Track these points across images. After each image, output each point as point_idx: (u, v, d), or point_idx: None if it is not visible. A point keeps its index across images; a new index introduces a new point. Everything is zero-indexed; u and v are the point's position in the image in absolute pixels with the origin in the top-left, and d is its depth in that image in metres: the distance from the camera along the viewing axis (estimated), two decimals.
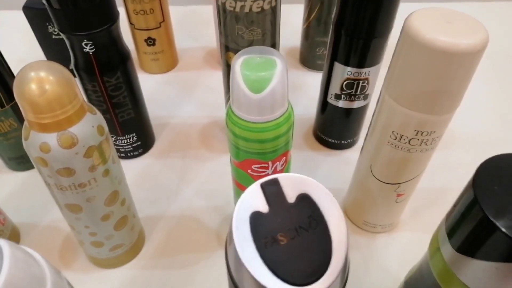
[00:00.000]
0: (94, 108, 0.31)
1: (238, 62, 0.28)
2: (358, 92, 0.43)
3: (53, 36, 0.54)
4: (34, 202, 0.44)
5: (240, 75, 0.28)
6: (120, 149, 0.47)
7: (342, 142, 0.49)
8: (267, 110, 0.29)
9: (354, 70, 0.41)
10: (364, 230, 0.42)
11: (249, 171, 0.33)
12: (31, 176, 0.47)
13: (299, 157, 0.49)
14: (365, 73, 0.41)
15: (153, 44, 0.56)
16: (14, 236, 0.40)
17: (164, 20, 0.55)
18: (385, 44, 0.40)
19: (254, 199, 0.20)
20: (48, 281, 0.21)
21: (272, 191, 0.20)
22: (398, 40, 0.30)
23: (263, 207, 0.20)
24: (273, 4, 0.37)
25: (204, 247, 0.41)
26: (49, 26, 0.53)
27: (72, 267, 0.39)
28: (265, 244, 0.18)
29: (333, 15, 0.41)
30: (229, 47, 0.40)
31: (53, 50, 0.55)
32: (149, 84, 0.58)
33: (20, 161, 0.46)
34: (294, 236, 0.19)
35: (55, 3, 0.34)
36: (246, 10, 0.36)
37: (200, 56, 0.63)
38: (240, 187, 0.35)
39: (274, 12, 0.38)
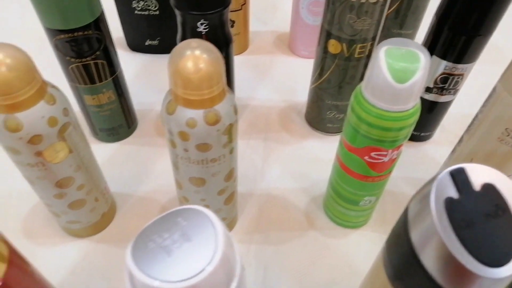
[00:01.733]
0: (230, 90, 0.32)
1: (382, 50, 0.29)
2: (450, 87, 0.44)
3: (136, 11, 0.54)
4: (126, 173, 0.46)
5: (385, 63, 0.29)
6: None
7: (421, 134, 0.50)
8: (403, 101, 0.30)
9: (452, 65, 0.42)
10: None
11: (365, 157, 0.34)
12: (119, 148, 0.48)
13: None
14: (462, 68, 0.42)
15: (232, 26, 0.57)
16: (112, 206, 0.42)
17: (245, 2, 0.55)
18: (488, 41, 0.41)
19: (446, 186, 0.21)
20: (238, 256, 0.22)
21: (461, 179, 0.21)
22: None
23: (454, 194, 0.21)
24: None
25: (294, 226, 0.42)
26: (134, 1, 0.54)
27: None
28: (461, 228, 0.20)
29: (436, 9, 0.42)
30: (333, 34, 0.41)
31: (133, 26, 0.56)
32: None
33: (111, 133, 0.47)
34: (485, 222, 0.20)
35: None
36: (363, 0, 0.37)
37: (270, 41, 0.64)
38: (347, 171, 0.37)
39: (385, 3, 0.38)
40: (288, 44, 0.62)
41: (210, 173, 0.33)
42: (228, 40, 0.41)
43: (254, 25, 0.65)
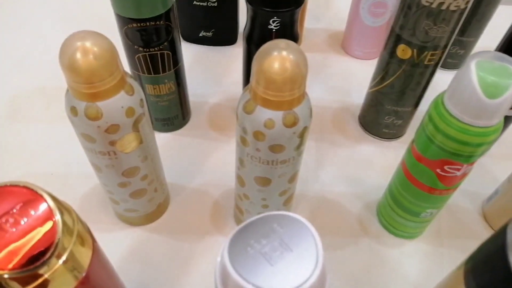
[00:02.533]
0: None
1: (473, 63, 0.28)
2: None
3: (194, 2, 0.54)
4: (180, 164, 0.46)
5: (475, 76, 0.28)
6: None
7: None
8: (488, 116, 0.29)
9: None
10: None
11: (437, 170, 0.33)
12: (173, 139, 0.48)
13: None
14: None
15: None
16: (167, 197, 0.42)
17: None
18: None
19: None
20: None
21: None
22: None
23: None
24: (467, 5, 0.36)
25: (347, 232, 0.42)
26: None
27: (224, 232, 0.41)
28: None
29: None
30: (404, 39, 0.40)
31: (189, 16, 0.56)
32: None
33: (166, 123, 0.47)
34: None
35: None
36: (443, 7, 0.36)
37: (323, 38, 0.63)
38: (413, 181, 0.36)
39: (463, 12, 0.37)
40: (342, 43, 0.61)
41: (277, 174, 0.33)
42: (295, 39, 0.40)
43: (307, 21, 0.64)
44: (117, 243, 0.40)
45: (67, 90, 0.29)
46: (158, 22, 0.37)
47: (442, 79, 0.51)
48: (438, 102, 0.32)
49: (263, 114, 0.29)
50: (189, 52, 0.59)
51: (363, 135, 0.50)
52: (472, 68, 0.28)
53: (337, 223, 0.42)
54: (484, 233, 0.43)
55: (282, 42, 0.28)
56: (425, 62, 0.41)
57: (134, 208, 0.38)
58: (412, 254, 0.41)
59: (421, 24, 0.38)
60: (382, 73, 0.44)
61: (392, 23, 0.41)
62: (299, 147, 0.31)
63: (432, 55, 0.40)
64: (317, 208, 0.43)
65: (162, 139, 0.48)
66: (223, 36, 0.59)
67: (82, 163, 0.37)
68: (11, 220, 0.19)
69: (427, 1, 0.36)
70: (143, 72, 0.41)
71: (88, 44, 0.26)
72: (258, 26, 0.39)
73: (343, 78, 0.57)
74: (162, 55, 0.40)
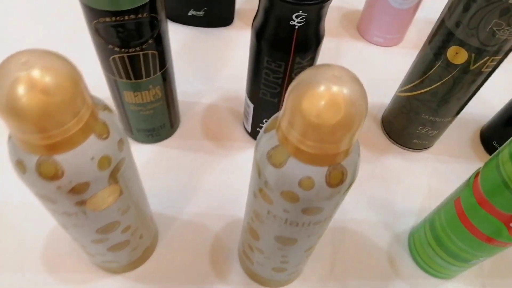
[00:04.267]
0: None
1: None
2: None
3: None
4: (168, 185, 0.37)
5: None
6: None
7: None
8: None
9: None
10: None
11: (511, 224, 0.26)
12: (159, 152, 0.39)
13: (468, 168, 0.41)
14: None
15: None
16: (155, 236, 0.33)
17: None
18: None
19: None
20: None
21: None
22: None
23: None
24: None
25: (376, 272, 0.35)
26: None
27: (228, 280, 0.33)
28: None
29: None
30: (459, 39, 0.31)
31: None
32: None
33: (150, 134, 0.38)
34: None
35: None
36: None
37: (336, 19, 0.53)
38: (471, 229, 0.28)
39: None
40: (358, 25, 0.52)
41: (307, 234, 0.25)
42: (319, 39, 0.31)
43: None
44: None
45: (9, 136, 0.20)
46: (140, 15, 0.27)
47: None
48: None
49: (299, 169, 0.20)
50: (176, 35, 0.48)
51: (388, 145, 0.42)
52: None
53: (364, 261, 0.35)
54: None
55: (336, 70, 0.19)
56: (483, 69, 0.32)
57: (114, 260, 0.30)
58: None
59: (489, 23, 0.29)
60: (423, 77, 0.36)
61: (432, 10, 0.32)
62: (340, 203, 0.23)
63: (492, 61, 0.31)
64: (339, 242, 0.36)
65: (145, 152, 0.39)
66: (217, 15, 0.48)
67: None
68: None
69: None
70: (121, 77, 0.31)
71: (36, 72, 0.17)
72: (275, 20, 0.29)
73: (361, 70, 0.47)
74: (145, 56, 0.30)
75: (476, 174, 0.28)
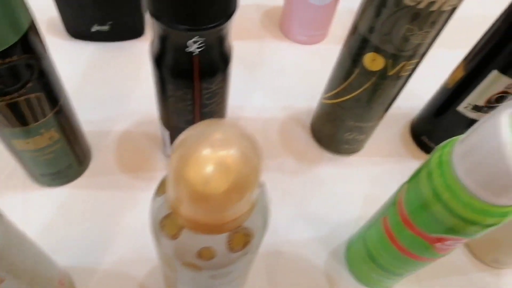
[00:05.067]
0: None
1: (504, 122, 0.19)
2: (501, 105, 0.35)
3: None
4: (82, 233, 0.33)
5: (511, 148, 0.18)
6: None
7: None
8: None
9: None
10: (490, 267, 0.36)
11: (437, 244, 0.25)
12: (69, 195, 0.35)
13: (401, 167, 0.40)
14: None
15: None
16: None
17: None
18: None
19: None
20: None
21: None
22: None
23: None
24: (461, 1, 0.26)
25: None
26: None
27: None
28: None
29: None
30: (375, 46, 0.29)
31: (73, 7, 0.40)
32: None
33: (56, 177, 0.34)
34: None
35: None
36: (434, 8, 0.25)
37: (256, 19, 0.50)
38: (403, 250, 0.27)
39: (454, 10, 0.27)
40: (280, 24, 0.49)
41: (227, 285, 0.22)
42: (226, 59, 0.28)
43: None
44: None
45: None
46: (9, 59, 0.23)
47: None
48: (443, 162, 0.22)
49: (195, 240, 0.18)
50: (81, 54, 0.43)
51: (319, 153, 0.40)
52: (505, 136, 0.19)
53: (301, 283, 0.33)
54: (468, 266, 0.36)
55: (217, 131, 0.16)
56: (401, 74, 0.31)
57: None
58: None
59: (402, 29, 0.27)
60: (344, 84, 0.34)
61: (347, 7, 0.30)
62: (254, 257, 0.21)
63: (409, 65, 0.30)
64: (274, 268, 0.34)
65: (54, 197, 0.34)
66: (125, 27, 0.44)
67: None
68: None
69: (413, 0, 0.25)
70: (5, 125, 0.27)
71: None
72: (171, 47, 0.26)
73: (286, 73, 0.46)
74: (28, 100, 0.26)
75: (398, 194, 0.27)
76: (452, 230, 0.23)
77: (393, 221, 0.27)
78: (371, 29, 0.29)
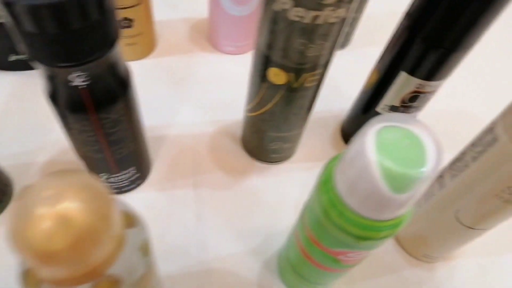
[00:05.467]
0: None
1: (370, 143, 0.19)
2: (420, 105, 0.35)
3: None
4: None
5: (377, 166, 0.19)
6: (113, 186, 0.36)
7: None
8: (395, 209, 0.20)
9: (424, 82, 0.33)
10: (422, 261, 0.37)
11: (340, 257, 0.25)
12: None
13: None
14: (435, 85, 0.33)
15: (129, 26, 0.42)
16: None
17: None
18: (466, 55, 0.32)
19: None
20: None
21: None
22: None
23: None
24: (349, 12, 0.26)
25: None
26: None
27: None
28: None
29: (405, 11, 0.32)
30: (275, 61, 0.29)
31: None
32: None
33: None
34: None
35: (29, 23, 0.21)
36: (320, 21, 0.25)
37: (184, 33, 0.50)
38: (314, 263, 0.27)
39: (344, 21, 0.27)
40: (208, 37, 0.49)
41: None
42: (124, 84, 0.28)
43: (160, 11, 0.50)
44: None
45: None
46: None
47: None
48: (328, 178, 0.22)
49: None
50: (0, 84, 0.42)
51: (250, 163, 0.41)
52: (371, 155, 0.19)
53: None
54: (401, 263, 0.37)
55: (49, 187, 0.15)
56: (306, 85, 0.31)
57: None
58: None
59: (295, 43, 0.27)
60: (256, 98, 0.34)
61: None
62: None
63: (312, 76, 0.30)
64: (206, 287, 0.34)
65: None
66: None
67: None
68: None
69: (296, 15, 0.25)
70: None
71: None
72: (60, 84, 0.26)
73: (216, 86, 0.45)
74: None
75: (304, 213, 0.27)
76: (348, 245, 0.23)
77: (302, 237, 0.27)
78: (268, 46, 0.29)
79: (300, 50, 0.27)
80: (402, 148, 0.19)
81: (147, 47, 0.46)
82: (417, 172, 0.18)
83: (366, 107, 0.38)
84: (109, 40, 0.24)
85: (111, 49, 0.24)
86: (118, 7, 0.39)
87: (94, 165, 0.33)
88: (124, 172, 0.34)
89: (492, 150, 0.26)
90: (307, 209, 0.26)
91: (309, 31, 0.26)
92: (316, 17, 0.25)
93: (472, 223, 0.30)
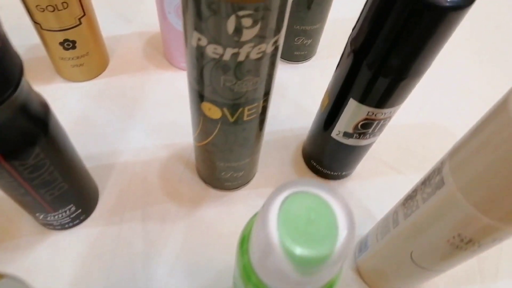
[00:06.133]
0: None
1: (273, 214, 0.17)
2: (375, 131, 0.33)
3: None
4: None
5: (279, 248, 0.16)
6: (54, 223, 0.34)
7: (343, 173, 0.39)
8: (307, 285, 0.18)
9: (376, 110, 0.30)
10: None
11: None
12: None
13: None
14: (389, 112, 0.31)
15: (73, 48, 0.39)
16: None
17: (85, 13, 0.38)
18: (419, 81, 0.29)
19: None
20: None
21: None
22: (487, 116, 0.20)
23: None
24: (278, 42, 0.24)
25: None
26: None
27: None
28: None
29: (349, 37, 0.29)
30: (206, 97, 0.27)
31: None
32: (73, 100, 0.42)
33: None
34: None
35: None
36: (241, 58, 0.23)
37: (138, 48, 0.47)
38: None
39: (276, 51, 0.25)
40: (164, 52, 0.46)
41: None
42: (40, 122, 0.25)
43: (112, 25, 0.47)
44: None
45: None
46: None
47: (291, 74, 0.41)
48: (245, 239, 0.20)
49: None
50: None
51: (204, 191, 0.38)
52: (273, 233, 0.16)
53: None
54: None
55: None
56: (245, 119, 0.28)
57: None
58: None
59: (219, 80, 0.25)
60: (198, 130, 0.32)
61: None
62: None
63: (250, 109, 0.28)
64: None
65: None
66: None
67: None
68: None
69: (215, 53, 0.23)
70: None
71: None
72: None
73: (171, 105, 0.43)
74: None
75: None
76: None
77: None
78: (197, 81, 0.26)
79: (228, 87, 0.25)
80: (310, 221, 0.17)
81: (97, 66, 0.43)
82: (323, 255, 0.16)
83: (321, 132, 0.36)
84: (9, 82, 0.22)
85: (13, 91, 0.22)
86: (56, 29, 0.37)
87: (27, 206, 0.31)
88: (62, 210, 0.32)
89: (440, 194, 0.24)
90: (236, 262, 0.24)
91: (232, 68, 0.24)
92: (235, 54, 0.23)
93: (427, 265, 0.28)
